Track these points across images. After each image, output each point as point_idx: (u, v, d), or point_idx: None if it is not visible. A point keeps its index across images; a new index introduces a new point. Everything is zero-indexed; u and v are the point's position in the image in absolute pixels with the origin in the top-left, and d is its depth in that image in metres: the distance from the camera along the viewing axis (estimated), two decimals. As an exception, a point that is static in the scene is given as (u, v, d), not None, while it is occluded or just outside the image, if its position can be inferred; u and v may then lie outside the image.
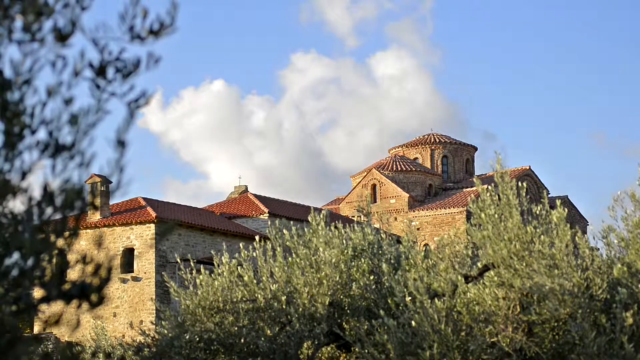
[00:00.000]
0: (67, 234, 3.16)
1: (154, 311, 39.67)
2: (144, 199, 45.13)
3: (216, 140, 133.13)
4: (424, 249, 12.65)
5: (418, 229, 62.45)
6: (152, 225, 42.14)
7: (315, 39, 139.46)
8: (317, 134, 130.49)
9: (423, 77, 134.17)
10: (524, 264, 9.94)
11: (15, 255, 3.08)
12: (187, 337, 12.97)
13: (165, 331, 13.43)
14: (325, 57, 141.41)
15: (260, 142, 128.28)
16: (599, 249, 10.78)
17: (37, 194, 3.11)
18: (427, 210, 64.44)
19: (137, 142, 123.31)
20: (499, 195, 10.55)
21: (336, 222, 13.42)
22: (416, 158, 72.58)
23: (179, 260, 18.74)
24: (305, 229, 13.16)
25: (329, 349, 13.64)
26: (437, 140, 73.38)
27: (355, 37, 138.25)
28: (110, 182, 35.28)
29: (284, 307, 12.45)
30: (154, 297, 41.27)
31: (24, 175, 3.11)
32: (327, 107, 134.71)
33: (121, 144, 3.17)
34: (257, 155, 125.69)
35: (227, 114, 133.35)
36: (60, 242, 3.14)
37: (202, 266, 13.83)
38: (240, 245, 14.12)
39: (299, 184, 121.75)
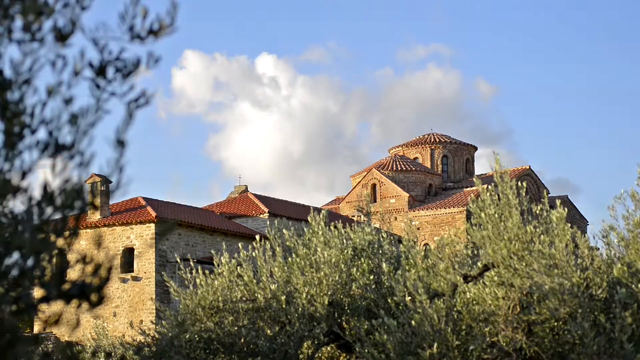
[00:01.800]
0: (67, 233, 3.16)
1: (154, 311, 39.67)
2: (144, 198, 45.11)
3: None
4: (424, 248, 12.64)
5: (418, 228, 62.39)
6: (152, 225, 42.11)
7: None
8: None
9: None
10: (524, 264, 9.93)
11: (15, 255, 3.08)
12: (187, 336, 12.97)
13: (165, 331, 13.43)
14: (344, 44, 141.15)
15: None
16: (599, 248, 10.78)
17: (37, 193, 3.11)
18: (427, 210, 64.43)
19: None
20: (498, 195, 10.54)
21: (336, 221, 13.41)
22: (416, 158, 72.56)
23: (178, 260, 18.73)
24: (305, 229, 13.15)
25: (329, 348, 13.63)
26: (437, 139, 73.36)
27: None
28: (110, 182, 34.90)
29: (283, 306, 12.44)
30: (154, 296, 41.28)
31: (24, 175, 3.11)
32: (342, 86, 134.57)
33: (121, 143, 3.17)
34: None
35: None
36: (60, 242, 3.14)
37: (199, 266, 13.80)
38: (240, 245, 14.10)
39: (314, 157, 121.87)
